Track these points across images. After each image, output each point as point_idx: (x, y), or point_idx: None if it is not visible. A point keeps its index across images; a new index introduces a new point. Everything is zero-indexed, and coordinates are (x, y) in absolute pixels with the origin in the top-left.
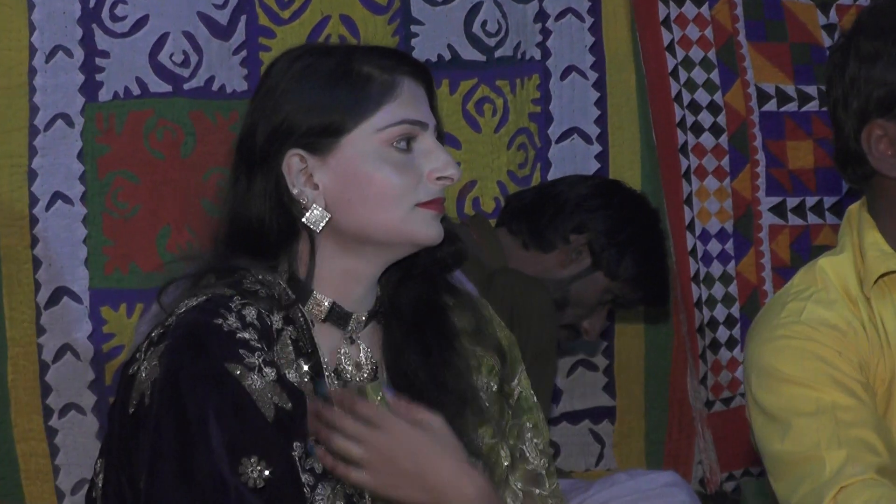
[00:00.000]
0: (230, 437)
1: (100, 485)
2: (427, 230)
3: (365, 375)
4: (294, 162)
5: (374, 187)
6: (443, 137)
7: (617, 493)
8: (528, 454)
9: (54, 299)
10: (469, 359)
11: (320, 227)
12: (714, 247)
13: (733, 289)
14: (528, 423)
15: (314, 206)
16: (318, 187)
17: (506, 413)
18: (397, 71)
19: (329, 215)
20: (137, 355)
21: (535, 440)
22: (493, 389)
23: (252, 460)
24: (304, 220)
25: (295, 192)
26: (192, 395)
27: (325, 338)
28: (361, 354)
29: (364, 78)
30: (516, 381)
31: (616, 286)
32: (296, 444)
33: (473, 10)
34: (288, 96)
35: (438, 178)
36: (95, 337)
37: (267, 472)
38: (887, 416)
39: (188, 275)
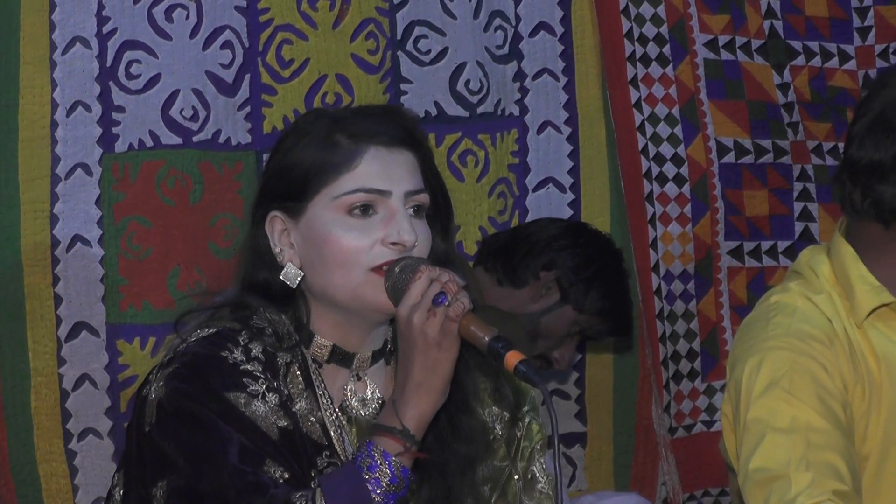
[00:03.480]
0: (240, 449)
1: (117, 497)
2: (376, 297)
3: (370, 411)
4: (276, 222)
5: (329, 250)
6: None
7: None
8: (537, 475)
9: (74, 333)
10: (485, 421)
11: (296, 284)
12: (677, 287)
13: (694, 325)
14: (537, 446)
15: (289, 264)
16: (294, 247)
17: (516, 438)
18: (367, 139)
19: (302, 273)
20: (150, 377)
21: (540, 461)
22: (507, 418)
23: (267, 462)
24: (280, 276)
25: (276, 250)
26: (192, 415)
27: (333, 375)
28: (368, 391)
29: (332, 145)
30: (527, 408)
31: (583, 318)
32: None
33: (458, 70)
34: (274, 158)
35: (392, 243)
36: (111, 367)
37: (286, 475)
38: (882, 474)
39: (207, 306)
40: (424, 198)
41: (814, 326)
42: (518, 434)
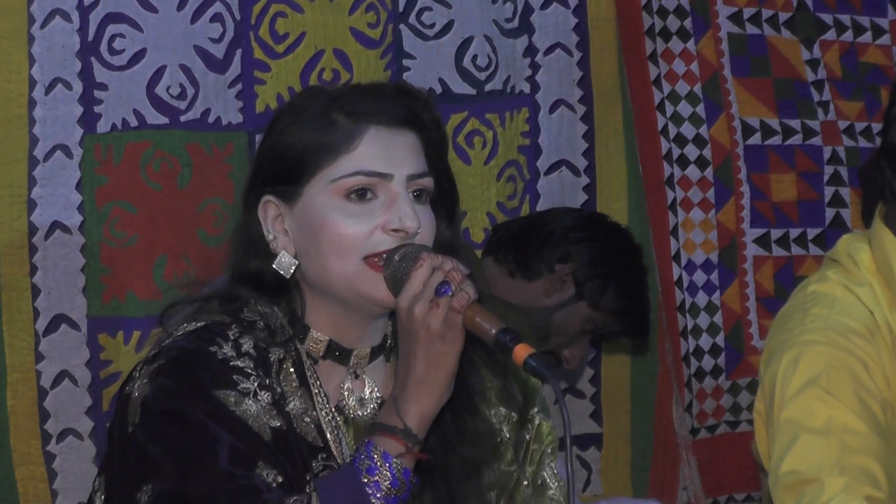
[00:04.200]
0: (231, 451)
1: (98, 503)
2: (375, 287)
3: (368, 411)
4: (270, 207)
5: (325, 236)
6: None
7: None
8: (548, 481)
9: (53, 327)
10: (492, 422)
11: (290, 274)
12: (699, 277)
13: (718, 318)
14: (548, 450)
15: (283, 252)
16: (289, 234)
17: (525, 440)
18: (367, 119)
19: (297, 262)
20: (134, 373)
21: (551, 465)
22: (514, 419)
23: (260, 465)
24: (273, 265)
25: (269, 237)
26: (179, 414)
27: (329, 373)
28: (366, 390)
29: (329, 125)
30: (536, 408)
31: (598, 316)
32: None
33: (464, 45)
34: (268, 138)
35: (393, 230)
36: (93, 364)
37: (280, 479)
38: None
39: (194, 298)
40: (428, 182)
41: (854, 319)
42: (527, 436)
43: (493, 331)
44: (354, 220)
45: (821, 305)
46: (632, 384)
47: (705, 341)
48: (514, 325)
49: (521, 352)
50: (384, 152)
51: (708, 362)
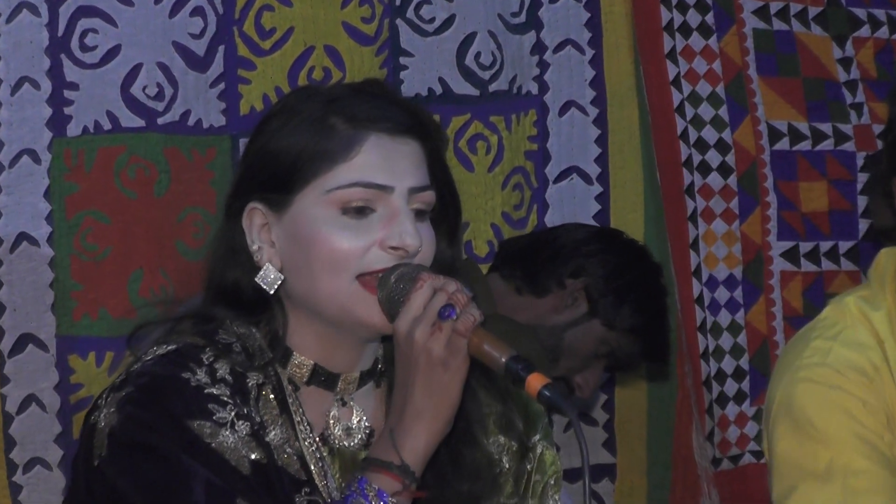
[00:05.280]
0: (207, 486)
1: None
2: (369, 310)
3: (356, 442)
4: (256, 215)
5: (316, 252)
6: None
7: None
8: None
9: (19, 347)
10: (491, 453)
11: (274, 289)
12: (722, 294)
13: (742, 339)
14: (551, 481)
15: (268, 265)
16: (275, 245)
17: (526, 471)
18: (368, 125)
19: (282, 277)
20: (99, 401)
21: (555, 497)
22: (514, 449)
23: (238, 501)
24: (256, 279)
25: (254, 247)
26: (149, 447)
27: (313, 400)
28: (354, 418)
29: (326, 130)
30: (538, 436)
31: (613, 336)
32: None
33: (466, 42)
34: (257, 140)
35: (392, 248)
36: (62, 387)
37: None
38: None
39: (166, 318)
40: (430, 196)
41: (858, 352)
42: (528, 467)
43: (503, 359)
44: (350, 234)
45: (824, 337)
46: (648, 410)
47: (728, 364)
48: (525, 350)
49: (535, 382)
50: (385, 162)
51: (731, 387)
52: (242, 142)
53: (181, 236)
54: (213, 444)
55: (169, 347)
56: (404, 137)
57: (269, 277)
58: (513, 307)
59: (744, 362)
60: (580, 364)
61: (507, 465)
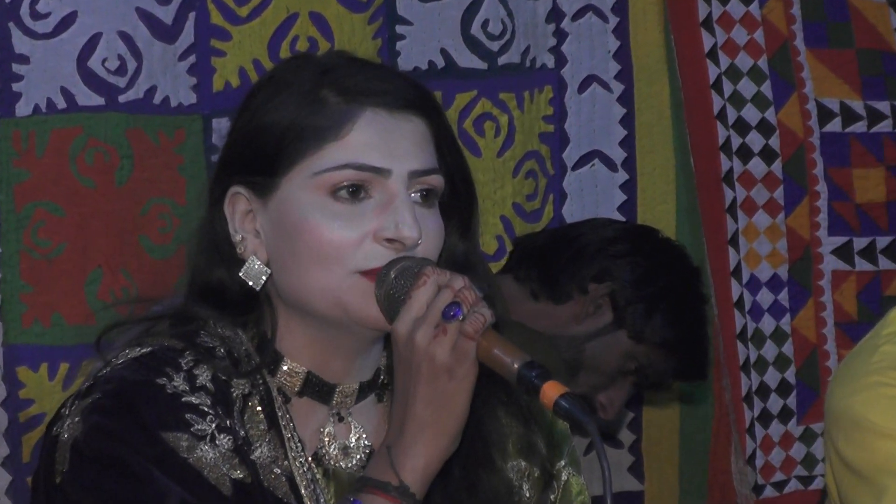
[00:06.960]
0: None
1: None
2: (365, 306)
3: (354, 463)
4: (239, 201)
5: (305, 241)
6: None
7: None
8: None
9: None
10: (510, 479)
11: (260, 284)
12: (765, 297)
13: (788, 349)
14: None
15: (252, 257)
16: (260, 235)
17: (549, 501)
18: (364, 98)
19: (268, 271)
20: (63, 410)
21: None
22: (536, 475)
23: None
24: (241, 273)
25: (237, 237)
26: (118, 461)
27: (306, 413)
28: (352, 436)
29: (316, 104)
30: (563, 461)
31: (641, 351)
32: None
33: (472, 8)
34: (242, 117)
35: (387, 240)
36: (10, 403)
37: None
38: None
39: (141, 318)
40: (437, 180)
41: None
42: (552, 497)
43: (516, 365)
44: (341, 223)
45: (893, 342)
46: (681, 430)
47: (772, 377)
48: (542, 358)
49: (551, 391)
50: (381, 141)
51: (775, 403)
52: (216, 122)
53: (145, 231)
54: (190, 460)
55: (142, 350)
56: (405, 113)
57: (252, 271)
58: (528, 314)
59: (790, 375)
60: (604, 381)
61: (527, 494)
